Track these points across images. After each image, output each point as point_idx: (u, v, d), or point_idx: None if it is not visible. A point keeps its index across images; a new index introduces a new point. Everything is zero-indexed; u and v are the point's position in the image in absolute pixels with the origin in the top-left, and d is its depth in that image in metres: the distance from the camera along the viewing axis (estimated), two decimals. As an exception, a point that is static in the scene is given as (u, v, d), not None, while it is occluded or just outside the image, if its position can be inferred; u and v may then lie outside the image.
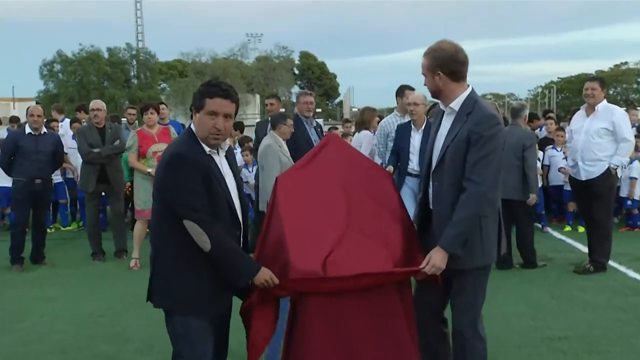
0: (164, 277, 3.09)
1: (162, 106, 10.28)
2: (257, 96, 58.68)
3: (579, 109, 9.62)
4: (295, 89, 73.95)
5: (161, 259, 3.09)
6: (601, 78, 7.44)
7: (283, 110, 8.64)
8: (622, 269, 7.14)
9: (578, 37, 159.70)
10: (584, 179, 6.96)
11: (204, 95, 3.07)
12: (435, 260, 3.32)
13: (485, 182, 3.31)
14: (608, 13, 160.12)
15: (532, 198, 7.04)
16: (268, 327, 3.39)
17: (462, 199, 3.33)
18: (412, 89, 7.14)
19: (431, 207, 3.59)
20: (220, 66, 56.26)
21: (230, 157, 3.28)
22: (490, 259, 3.56)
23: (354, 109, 55.19)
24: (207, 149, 3.09)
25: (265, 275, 3.11)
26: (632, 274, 6.94)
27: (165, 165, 3.02)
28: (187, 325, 3.06)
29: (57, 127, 10.41)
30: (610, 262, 7.32)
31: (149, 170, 7.10)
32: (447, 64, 3.40)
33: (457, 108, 3.44)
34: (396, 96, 7.42)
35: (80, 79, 56.18)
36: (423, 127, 6.53)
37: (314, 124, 7.53)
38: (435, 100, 3.77)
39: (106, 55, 57.92)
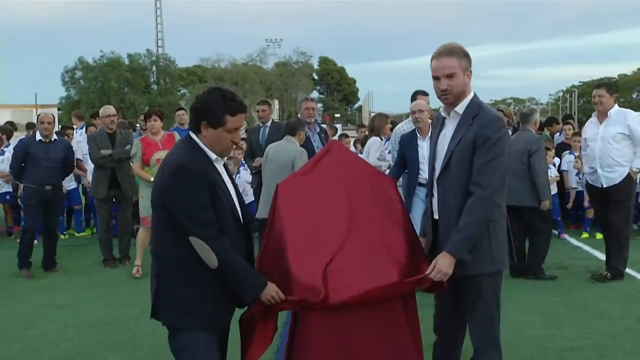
0: (170, 293, 2.99)
1: (181, 112, 10.44)
2: (276, 101, 58.85)
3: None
4: (315, 94, 74.34)
5: (166, 273, 2.99)
6: (608, 83, 7.44)
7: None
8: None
9: (600, 41, 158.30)
10: (604, 186, 6.83)
11: (224, 111, 2.95)
12: (442, 266, 3.24)
13: (492, 185, 3.26)
14: (631, 16, 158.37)
15: (544, 204, 6.91)
16: (266, 338, 3.35)
17: (470, 203, 3.26)
18: (426, 94, 6.98)
19: (436, 216, 3.51)
20: (239, 72, 56.64)
21: (226, 165, 3.24)
22: (501, 265, 3.47)
23: (372, 114, 55.14)
24: (213, 156, 3.03)
25: (271, 291, 3.07)
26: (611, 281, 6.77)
27: (170, 177, 2.90)
28: (195, 342, 2.99)
29: (72, 134, 10.50)
30: (628, 270, 7.18)
31: (152, 178, 6.98)
32: (471, 64, 3.38)
33: (461, 112, 3.38)
34: (411, 101, 7.29)
35: (101, 85, 56.90)
36: (429, 134, 6.33)
37: (317, 129, 7.47)
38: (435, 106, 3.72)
39: (126, 61, 58.63)
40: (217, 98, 2.97)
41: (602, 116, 6.84)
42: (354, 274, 3.23)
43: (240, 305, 3.22)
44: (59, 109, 53.03)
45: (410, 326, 3.41)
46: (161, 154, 7.07)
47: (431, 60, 3.38)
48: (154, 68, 62.07)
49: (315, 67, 73.14)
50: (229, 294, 3.03)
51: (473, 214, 3.25)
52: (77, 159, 9.06)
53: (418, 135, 6.48)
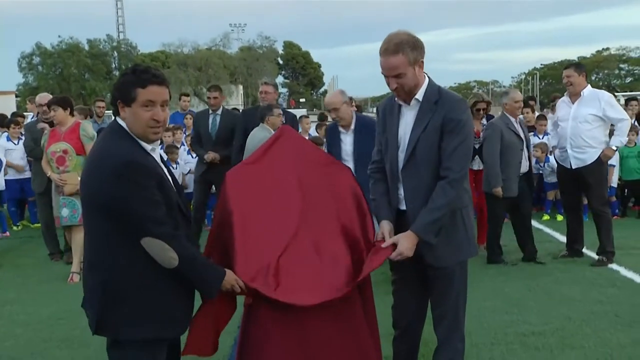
0: (122, 303, 2.65)
1: (187, 97, 10.36)
2: (240, 87, 58.35)
3: (558, 96, 9.47)
4: (280, 79, 73.86)
5: (114, 283, 2.65)
6: (577, 63, 7.23)
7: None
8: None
9: (561, 24, 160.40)
10: (573, 167, 6.80)
11: (134, 84, 2.65)
12: (403, 247, 3.15)
13: (464, 168, 3.23)
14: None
15: (496, 191, 6.80)
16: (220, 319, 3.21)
17: (441, 186, 3.18)
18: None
19: (403, 207, 3.37)
20: (202, 57, 55.83)
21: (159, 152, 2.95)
22: (475, 251, 3.47)
23: (337, 99, 54.97)
24: (147, 146, 2.73)
25: (231, 279, 2.92)
26: (611, 265, 6.78)
27: (113, 176, 2.55)
28: (143, 354, 2.71)
29: (23, 121, 10.10)
30: (588, 252, 7.21)
31: (49, 173, 6.66)
32: (423, 51, 3.22)
33: (421, 98, 3.26)
34: None
35: (60, 72, 55.69)
36: (353, 127, 5.74)
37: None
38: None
39: (86, 47, 57.42)
40: (128, 73, 2.73)
41: (575, 96, 6.78)
42: (305, 271, 3.11)
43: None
44: (16, 96, 51.70)
45: (368, 319, 3.31)
46: (57, 147, 6.60)
47: (379, 55, 3.21)
48: (115, 54, 60.96)
49: (280, 51, 72.63)
50: (187, 296, 2.83)
51: (445, 196, 3.16)
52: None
53: (340, 129, 5.88)
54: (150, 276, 2.66)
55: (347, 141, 5.78)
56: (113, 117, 2.84)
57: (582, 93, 6.73)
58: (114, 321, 2.68)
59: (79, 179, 5.95)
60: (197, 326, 3.09)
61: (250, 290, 3.06)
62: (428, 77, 3.29)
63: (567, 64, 7.37)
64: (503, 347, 4.63)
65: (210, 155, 7.48)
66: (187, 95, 11.13)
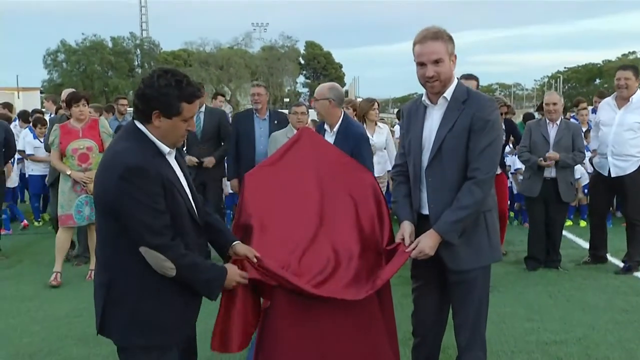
0: (125, 307, 2.63)
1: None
2: (262, 86, 58.36)
3: (582, 100, 9.29)
4: (301, 79, 73.93)
5: (117, 284, 2.63)
6: (634, 66, 6.75)
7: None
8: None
9: (585, 27, 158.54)
10: (612, 175, 6.51)
11: (179, 99, 2.58)
12: (425, 245, 3.09)
13: (492, 170, 3.15)
14: (616, 2, 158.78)
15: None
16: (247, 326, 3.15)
17: (468, 186, 3.10)
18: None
19: (425, 212, 3.28)
20: (224, 56, 56.06)
21: (179, 157, 2.86)
22: (498, 255, 3.38)
23: (358, 99, 54.89)
24: (165, 149, 2.68)
25: (234, 276, 2.84)
26: (634, 272, 6.62)
27: (121, 180, 2.50)
28: (154, 358, 2.69)
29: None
30: (612, 259, 7.06)
31: (69, 172, 6.37)
32: (454, 49, 3.18)
33: (449, 97, 3.19)
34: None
35: (84, 69, 56.31)
36: (336, 129, 4.95)
37: (267, 116, 6.97)
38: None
39: (110, 44, 58.00)
40: (171, 84, 2.57)
41: (622, 101, 6.44)
42: (324, 272, 3.05)
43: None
44: (41, 92, 52.32)
45: (385, 321, 3.26)
46: (79, 143, 6.42)
47: (414, 45, 3.15)
48: (138, 51, 61.45)
49: (302, 51, 72.61)
50: (188, 302, 2.77)
51: (472, 196, 3.10)
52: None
53: (326, 128, 5.13)
54: (152, 281, 2.61)
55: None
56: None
57: (631, 99, 6.39)
58: (115, 324, 2.67)
59: None
60: (220, 323, 3.05)
61: (267, 289, 3.05)
62: (457, 78, 3.24)
63: (625, 65, 6.98)
64: (524, 355, 4.53)
65: (190, 160, 6.92)
66: (223, 95, 11.05)
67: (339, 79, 79.10)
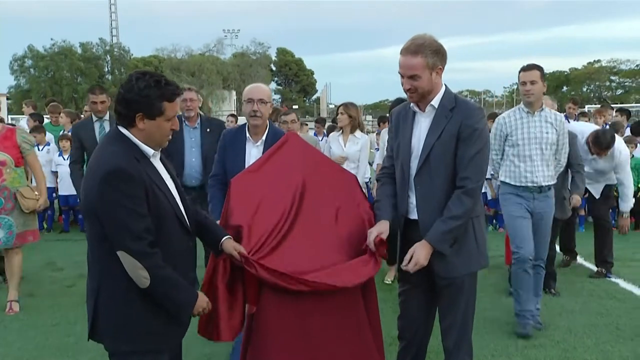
0: (114, 312, 2.62)
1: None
2: (234, 92, 58.28)
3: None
4: (273, 86, 73.80)
5: (108, 289, 2.62)
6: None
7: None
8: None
9: (552, 35, 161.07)
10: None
11: (161, 98, 2.60)
12: (420, 257, 3.11)
13: (481, 179, 3.17)
14: (581, 11, 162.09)
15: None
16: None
17: (457, 196, 3.13)
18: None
19: (413, 216, 3.31)
20: (195, 62, 55.77)
21: (164, 159, 2.86)
22: (485, 261, 3.38)
23: (330, 106, 54.97)
24: (149, 151, 2.68)
25: (202, 303, 2.79)
26: (610, 277, 6.76)
27: (102, 184, 2.49)
28: None
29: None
30: (585, 263, 7.19)
31: None
32: (444, 58, 3.18)
33: (436, 105, 3.21)
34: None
35: (52, 75, 55.49)
36: (264, 138, 4.19)
37: (198, 123, 5.82)
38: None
39: (79, 50, 57.25)
40: (150, 85, 2.59)
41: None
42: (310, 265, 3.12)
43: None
44: (8, 98, 51.49)
45: (371, 324, 3.28)
46: None
47: (400, 53, 3.18)
48: (108, 57, 60.80)
49: (273, 58, 72.60)
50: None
51: (462, 205, 3.13)
52: None
53: (248, 136, 4.25)
54: (139, 288, 2.58)
55: (254, 154, 4.15)
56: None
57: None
58: (104, 329, 2.66)
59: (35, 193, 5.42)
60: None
61: (252, 292, 3.10)
62: (445, 85, 3.25)
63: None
64: (504, 359, 4.58)
65: None
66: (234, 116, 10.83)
67: (311, 85, 79.33)
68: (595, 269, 6.91)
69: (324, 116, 21.59)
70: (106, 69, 60.09)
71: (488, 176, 9.49)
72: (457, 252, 3.22)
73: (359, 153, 6.34)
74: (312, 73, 79.38)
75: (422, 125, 3.27)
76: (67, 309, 5.76)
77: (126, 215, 2.49)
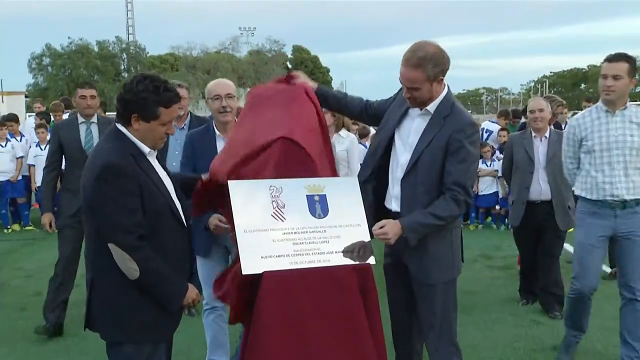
0: (107, 302, 2.72)
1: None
2: (249, 90, 58.31)
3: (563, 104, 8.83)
4: (288, 83, 73.73)
5: (101, 281, 2.72)
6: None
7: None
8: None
9: (571, 32, 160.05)
10: None
11: (157, 103, 2.69)
12: (390, 230, 3.08)
13: (469, 193, 3.18)
14: (601, 8, 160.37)
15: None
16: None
17: (446, 199, 3.13)
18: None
19: (391, 207, 3.34)
20: (211, 60, 55.88)
21: (160, 158, 2.96)
22: (458, 271, 3.39)
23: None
24: (146, 149, 2.77)
25: (192, 295, 2.87)
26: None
27: (96, 179, 2.61)
28: (140, 355, 2.75)
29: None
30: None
31: None
32: (446, 67, 3.16)
33: (432, 110, 3.21)
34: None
35: (69, 73, 55.94)
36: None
37: (186, 124, 5.23)
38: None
39: (96, 48, 57.68)
40: (149, 89, 2.68)
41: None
42: None
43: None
44: (26, 96, 52.00)
45: (372, 329, 3.19)
46: None
47: (401, 61, 3.16)
48: (125, 56, 61.15)
49: (289, 55, 72.59)
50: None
51: (450, 210, 3.14)
52: None
53: (217, 132, 4.08)
54: (129, 282, 2.66)
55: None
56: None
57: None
58: (99, 320, 2.76)
59: None
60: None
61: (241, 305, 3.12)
62: (448, 88, 3.24)
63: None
64: (511, 363, 4.49)
65: None
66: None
67: (326, 83, 79.19)
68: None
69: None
70: (122, 67, 60.41)
71: (500, 174, 9.39)
72: (435, 259, 3.25)
73: (345, 153, 5.91)
74: (328, 71, 79.28)
75: (414, 121, 3.28)
76: (71, 309, 5.73)
77: (117, 210, 2.59)
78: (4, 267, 7.56)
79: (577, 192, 4.44)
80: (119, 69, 60.13)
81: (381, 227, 3.10)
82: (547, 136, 5.48)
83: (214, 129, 4.06)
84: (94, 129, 5.11)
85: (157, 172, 2.82)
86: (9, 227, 9.80)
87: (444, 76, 3.17)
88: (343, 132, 6.01)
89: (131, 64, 60.00)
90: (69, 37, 57.66)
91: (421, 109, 3.24)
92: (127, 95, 2.70)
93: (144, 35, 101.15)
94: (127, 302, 2.69)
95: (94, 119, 5.15)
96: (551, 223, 5.42)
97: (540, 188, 5.44)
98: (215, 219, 3.65)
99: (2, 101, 40.17)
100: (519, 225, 5.62)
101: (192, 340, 4.76)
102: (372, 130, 10.37)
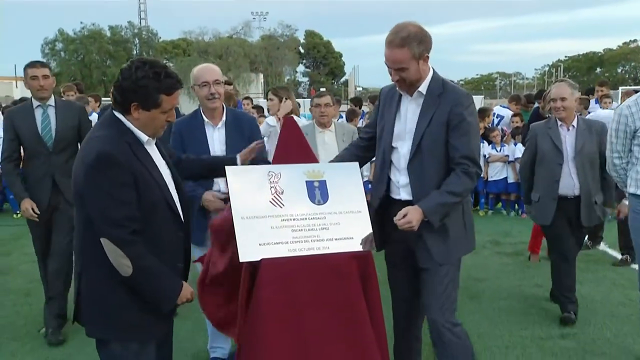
0: (95, 298, 2.57)
1: (246, 101, 9.97)
2: (261, 75, 58.14)
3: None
4: (301, 68, 73.63)
5: (90, 274, 2.57)
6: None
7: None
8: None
9: (586, 15, 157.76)
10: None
11: (158, 90, 2.53)
12: (413, 217, 3.02)
13: (478, 165, 3.16)
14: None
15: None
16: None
17: (458, 174, 3.11)
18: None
19: (397, 196, 3.28)
20: (223, 45, 55.71)
21: (160, 145, 2.81)
22: (472, 245, 3.37)
23: (358, 89, 54.64)
24: (144, 137, 2.62)
25: (187, 293, 2.69)
26: (634, 266, 6.46)
27: (89, 168, 2.46)
28: (127, 353, 2.62)
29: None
30: (609, 251, 6.96)
31: None
32: (430, 45, 3.12)
33: (424, 91, 3.18)
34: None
35: (82, 58, 56.14)
36: (224, 119, 3.99)
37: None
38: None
39: (108, 33, 57.78)
40: (149, 75, 2.52)
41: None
42: None
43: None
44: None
45: (374, 325, 3.13)
46: None
47: (385, 45, 3.11)
48: (137, 40, 61.20)
49: (301, 40, 72.25)
50: None
51: (463, 184, 3.12)
52: None
53: (206, 120, 4.00)
54: (120, 277, 2.51)
55: (216, 138, 3.97)
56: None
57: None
58: (86, 315, 2.63)
59: None
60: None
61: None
62: (433, 69, 3.22)
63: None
64: (519, 350, 4.43)
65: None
66: (249, 98, 10.89)
67: (339, 68, 78.87)
68: (619, 257, 6.67)
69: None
70: (135, 52, 60.41)
71: (511, 159, 9.27)
72: (444, 240, 3.19)
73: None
74: (341, 56, 78.89)
75: (408, 109, 3.24)
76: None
77: (109, 202, 2.46)
78: (13, 251, 7.58)
79: (630, 190, 4.08)
80: (131, 54, 60.10)
81: (404, 216, 3.03)
82: (575, 125, 4.89)
83: (201, 115, 3.98)
84: (51, 113, 4.68)
85: (154, 162, 2.65)
86: (17, 212, 9.79)
87: (428, 54, 3.13)
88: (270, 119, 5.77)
89: (143, 49, 60.00)
90: (81, 22, 57.88)
91: (412, 94, 3.20)
92: (126, 83, 2.53)
93: (156, 20, 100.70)
94: (115, 300, 2.55)
95: (51, 101, 4.71)
96: (578, 222, 4.90)
97: (573, 182, 4.83)
98: (209, 195, 3.62)
99: (16, 86, 40.40)
100: (550, 224, 4.94)
101: (196, 328, 4.74)
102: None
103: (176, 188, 2.78)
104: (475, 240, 3.40)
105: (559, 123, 4.90)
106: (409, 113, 3.24)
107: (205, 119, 3.95)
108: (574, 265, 5.00)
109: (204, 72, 3.92)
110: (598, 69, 67.82)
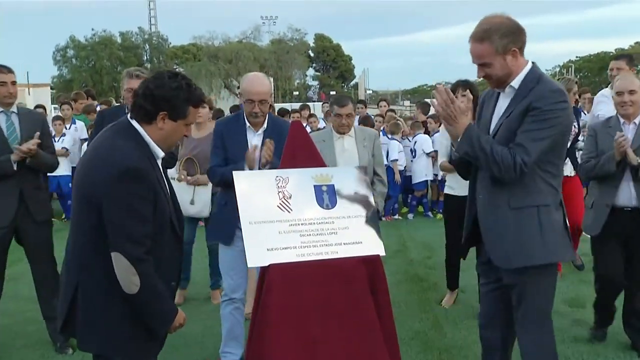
0: (91, 313, 2.50)
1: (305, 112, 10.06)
2: (271, 79, 58.07)
3: (587, 90, 8.35)
4: (311, 72, 73.71)
5: (86, 287, 2.49)
6: (629, 55, 6.00)
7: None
8: None
9: (597, 15, 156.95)
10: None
11: (188, 102, 2.55)
12: (460, 121, 2.90)
13: (532, 156, 2.85)
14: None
15: None
16: None
17: (510, 150, 2.87)
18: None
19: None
20: (233, 49, 55.95)
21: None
22: (555, 256, 3.06)
23: (368, 91, 54.71)
24: (160, 152, 2.60)
25: (180, 319, 2.66)
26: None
27: (115, 178, 2.39)
28: None
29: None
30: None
31: None
32: (519, 37, 2.94)
33: (517, 86, 2.99)
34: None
35: (93, 64, 56.58)
36: (265, 126, 4.02)
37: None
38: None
39: (119, 39, 58.23)
40: (182, 86, 2.53)
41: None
42: None
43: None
44: (51, 88, 52.60)
45: (384, 327, 3.10)
46: None
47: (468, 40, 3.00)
48: (147, 46, 61.59)
49: (311, 44, 72.34)
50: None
51: (502, 156, 2.85)
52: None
53: (248, 125, 4.04)
54: (121, 290, 2.45)
55: (255, 142, 3.93)
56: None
57: None
58: (79, 330, 2.54)
59: None
60: None
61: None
62: (533, 63, 3.01)
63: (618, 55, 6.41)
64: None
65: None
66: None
67: (349, 71, 78.92)
68: None
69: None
70: (145, 58, 60.85)
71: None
72: (514, 241, 2.98)
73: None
74: (350, 59, 78.92)
75: (502, 106, 3.08)
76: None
77: (132, 218, 2.42)
78: (23, 258, 7.52)
79: None
80: (142, 60, 60.59)
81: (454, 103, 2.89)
82: (637, 122, 4.34)
83: (244, 118, 4.01)
84: (15, 120, 4.43)
85: (165, 179, 2.66)
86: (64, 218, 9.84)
87: (518, 48, 2.93)
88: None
89: (153, 54, 60.40)
90: (92, 29, 58.37)
91: (504, 89, 3.05)
92: (159, 92, 2.51)
93: (166, 26, 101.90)
94: (114, 316, 2.49)
95: (14, 108, 4.45)
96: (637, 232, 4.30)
97: (630, 192, 4.25)
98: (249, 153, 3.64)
99: (29, 93, 40.65)
100: (600, 235, 4.38)
101: (206, 332, 4.72)
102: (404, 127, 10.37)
103: (174, 205, 2.73)
104: (560, 252, 3.09)
105: (622, 121, 4.37)
106: (501, 109, 3.08)
107: (248, 124, 3.99)
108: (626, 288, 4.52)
109: (252, 89, 3.91)
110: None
